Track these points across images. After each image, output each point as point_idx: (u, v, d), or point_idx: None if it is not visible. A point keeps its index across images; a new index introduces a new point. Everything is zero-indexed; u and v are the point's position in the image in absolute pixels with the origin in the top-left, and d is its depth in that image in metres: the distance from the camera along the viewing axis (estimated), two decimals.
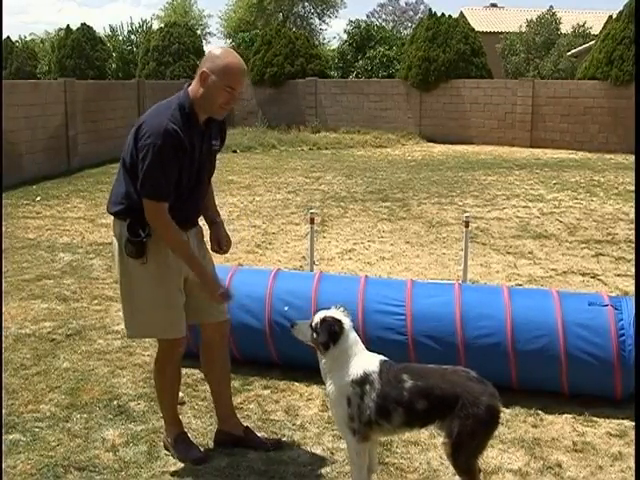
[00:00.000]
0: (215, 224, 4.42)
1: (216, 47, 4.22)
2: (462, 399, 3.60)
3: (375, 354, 3.94)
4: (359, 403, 3.76)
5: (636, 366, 4.68)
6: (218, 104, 3.98)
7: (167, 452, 4.40)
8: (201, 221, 4.44)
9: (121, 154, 4.11)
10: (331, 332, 3.86)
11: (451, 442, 3.63)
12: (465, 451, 3.64)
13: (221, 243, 4.40)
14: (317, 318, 3.93)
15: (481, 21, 43.02)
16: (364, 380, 3.77)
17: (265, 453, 4.38)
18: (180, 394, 5.01)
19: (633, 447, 4.31)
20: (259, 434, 4.56)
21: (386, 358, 3.93)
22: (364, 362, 3.85)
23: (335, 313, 3.93)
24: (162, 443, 4.50)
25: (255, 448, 4.42)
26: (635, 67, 20.43)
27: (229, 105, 4.01)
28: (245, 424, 4.59)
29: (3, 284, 7.81)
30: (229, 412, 4.57)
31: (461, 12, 43.43)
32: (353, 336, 3.92)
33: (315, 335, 3.90)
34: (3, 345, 6.11)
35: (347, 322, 3.91)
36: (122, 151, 4.10)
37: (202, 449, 4.43)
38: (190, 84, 4.06)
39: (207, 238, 4.46)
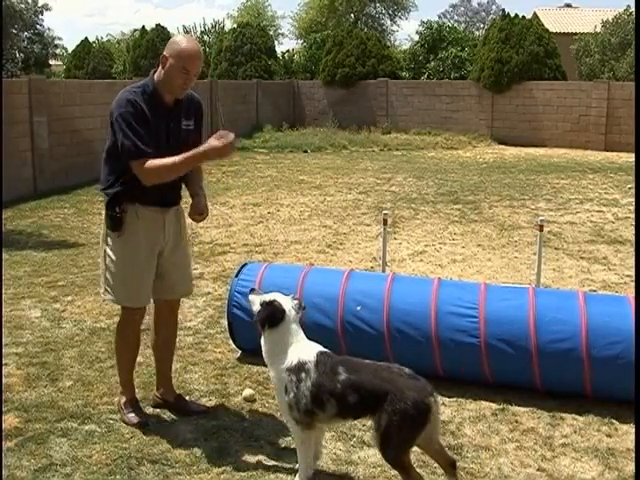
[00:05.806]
0: (197, 196, 4.70)
1: (178, 35, 4.63)
2: (390, 394, 3.69)
3: (316, 345, 4.04)
4: (295, 391, 3.88)
5: (636, 366, 4.59)
6: (176, 85, 4.45)
7: (238, 448, 4.44)
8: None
9: None
10: (270, 315, 4.01)
11: (378, 435, 3.74)
12: (393, 445, 3.73)
13: (199, 211, 4.66)
14: (268, 297, 4.08)
15: (555, 22, 42.31)
16: (299, 368, 3.89)
17: (335, 453, 4.38)
18: (251, 391, 5.09)
19: None
20: (191, 402, 5.02)
21: (326, 350, 4.03)
22: (300, 351, 3.96)
23: (285, 301, 4.06)
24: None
25: (184, 414, 4.84)
26: (635, 67, 19.87)
27: (186, 85, 4.48)
28: (178, 392, 5.04)
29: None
30: (166, 380, 5.01)
31: (534, 13, 42.75)
32: (294, 327, 4.03)
33: (258, 311, 4.06)
34: (79, 338, 6.28)
35: (292, 313, 4.03)
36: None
37: (270, 447, 4.46)
38: (156, 71, 4.52)
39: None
